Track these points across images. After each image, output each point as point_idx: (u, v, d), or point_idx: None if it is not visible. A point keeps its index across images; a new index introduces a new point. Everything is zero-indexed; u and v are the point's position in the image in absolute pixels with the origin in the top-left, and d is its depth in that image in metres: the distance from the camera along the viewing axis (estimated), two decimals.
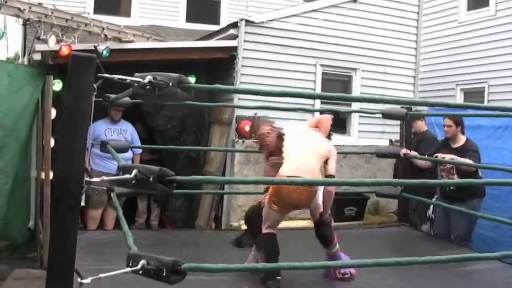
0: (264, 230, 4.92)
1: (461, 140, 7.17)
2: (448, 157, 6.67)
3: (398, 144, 7.78)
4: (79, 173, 2.65)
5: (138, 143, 8.74)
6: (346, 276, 4.97)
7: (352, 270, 5.01)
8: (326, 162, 5.16)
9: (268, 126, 5.37)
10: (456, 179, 6.80)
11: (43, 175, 7.97)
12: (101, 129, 8.37)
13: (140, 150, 8.89)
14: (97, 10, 12.88)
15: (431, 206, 7.52)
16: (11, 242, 8.49)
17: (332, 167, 5.18)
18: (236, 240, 5.51)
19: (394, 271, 4.97)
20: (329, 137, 5.53)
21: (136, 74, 2.87)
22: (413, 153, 7.24)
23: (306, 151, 5.05)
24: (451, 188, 6.80)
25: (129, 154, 8.18)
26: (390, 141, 8.09)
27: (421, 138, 8.14)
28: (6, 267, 7.59)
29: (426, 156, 7.19)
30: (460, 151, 6.94)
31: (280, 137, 5.38)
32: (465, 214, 6.66)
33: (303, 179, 4.66)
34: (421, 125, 8.38)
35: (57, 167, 2.65)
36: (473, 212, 6.57)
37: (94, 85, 2.85)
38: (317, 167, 5.01)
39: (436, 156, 6.75)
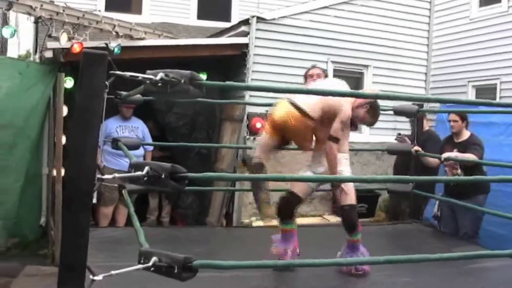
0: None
1: (465, 135, 7.26)
2: (452, 154, 6.68)
3: (406, 137, 7.74)
4: (91, 170, 2.65)
5: (149, 140, 8.75)
6: (359, 272, 4.95)
7: (366, 267, 5.00)
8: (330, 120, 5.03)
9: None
10: (461, 175, 6.82)
11: (54, 173, 8.00)
12: (112, 127, 8.39)
13: (151, 147, 8.91)
14: (108, 7, 12.91)
15: (436, 205, 7.50)
16: (22, 239, 8.53)
17: (335, 127, 5.06)
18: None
19: (403, 268, 4.96)
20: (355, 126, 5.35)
21: (148, 71, 2.87)
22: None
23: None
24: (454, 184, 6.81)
25: (140, 151, 8.20)
26: (399, 134, 8.03)
27: (427, 137, 8.05)
28: (17, 264, 7.62)
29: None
30: (464, 146, 7.03)
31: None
32: (471, 211, 6.65)
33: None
34: (424, 124, 8.31)
35: (69, 165, 2.66)
36: (479, 208, 6.56)
37: (106, 82, 2.86)
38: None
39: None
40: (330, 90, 5.11)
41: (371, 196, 9.71)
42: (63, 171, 7.72)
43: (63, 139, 7.83)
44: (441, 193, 7.48)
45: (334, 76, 10.38)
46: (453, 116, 7.20)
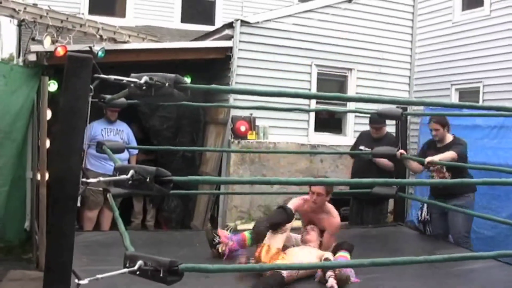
0: None
1: (448, 138, 7.23)
2: (436, 157, 6.69)
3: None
4: (76, 174, 2.64)
5: (134, 143, 8.74)
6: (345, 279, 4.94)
7: (354, 278, 5.00)
8: None
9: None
10: (447, 179, 6.84)
11: (38, 176, 7.96)
12: (97, 130, 8.37)
13: (136, 151, 8.90)
14: (92, 10, 12.85)
15: (424, 208, 7.46)
16: (6, 244, 8.49)
17: None
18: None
19: (390, 271, 4.98)
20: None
21: (133, 74, 2.87)
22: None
23: None
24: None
25: (125, 154, 8.19)
26: (360, 150, 7.93)
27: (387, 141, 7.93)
28: (1, 269, 7.58)
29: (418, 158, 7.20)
30: (448, 148, 6.99)
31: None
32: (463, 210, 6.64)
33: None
34: (385, 130, 8.10)
35: (53, 168, 2.65)
36: (472, 213, 6.57)
37: (91, 85, 2.85)
38: None
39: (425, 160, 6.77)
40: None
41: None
42: (47, 175, 7.68)
43: (47, 143, 7.80)
44: (426, 196, 7.49)
45: (318, 79, 10.42)
46: (434, 125, 7.19)
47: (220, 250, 5.51)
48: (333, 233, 5.62)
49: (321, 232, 5.68)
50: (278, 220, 5.38)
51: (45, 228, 7.44)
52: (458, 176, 6.77)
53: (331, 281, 4.69)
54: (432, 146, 7.26)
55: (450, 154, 6.76)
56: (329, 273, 4.82)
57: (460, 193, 6.97)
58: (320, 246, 5.52)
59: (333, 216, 5.65)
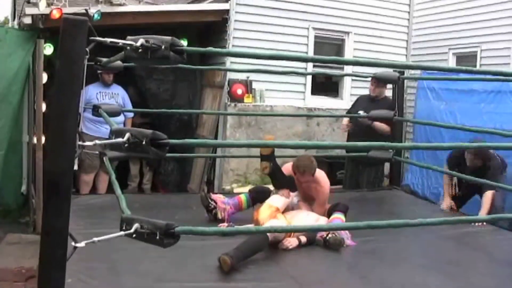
0: None
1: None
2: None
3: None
4: (72, 137, 2.64)
5: (129, 106, 8.71)
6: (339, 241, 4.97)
7: (349, 241, 5.03)
8: None
9: None
10: None
11: (35, 140, 7.95)
12: (92, 93, 8.33)
13: (131, 114, 8.88)
14: None
15: (455, 184, 7.23)
16: (4, 208, 8.51)
17: None
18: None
19: (385, 235, 5.01)
20: None
21: (128, 37, 2.85)
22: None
23: None
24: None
25: (121, 118, 8.16)
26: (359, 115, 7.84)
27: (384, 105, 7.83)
28: None
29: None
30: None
31: None
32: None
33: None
34: (384, 91, 8.05)
35: (49, 131, 2.64)
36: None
37: (86, 48, 2.83)
38: None
39: None
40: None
41: None
42: (43, 138, 7.68)
43: (43, 106, 7.78)
44: (423, 161, 7.42)
45: (315, 43, 10.38)
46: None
47: (219, 215, 5.54)
48: (323, 202, 5.63)
49: (312, 198, 5.70)
50: (287, 184, 5.41)
51: (41, 191, 7.46)
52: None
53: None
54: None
55: (489, 201, 6.41)
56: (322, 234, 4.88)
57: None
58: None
59: (322, 185, 5.64)
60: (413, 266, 4.66)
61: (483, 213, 6.28)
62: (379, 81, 7.54)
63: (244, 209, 5.67)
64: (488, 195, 6.40)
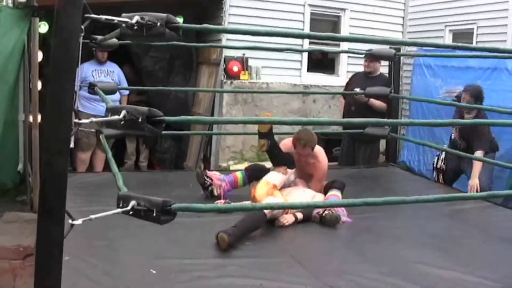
0: None
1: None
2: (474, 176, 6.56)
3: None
4: (68, 115, 2.63)
5: (124, 84, 8.71)
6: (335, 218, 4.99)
7: (345, 218, 5.05)
8: None
9: None
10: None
11: (31, 119, 7.93)
12: (88, 71, 8.31)
13: (127, 92, 8.87)
14: None
15: (442, 156, 7.35)
16: (1, 187, 8.51)
17: None
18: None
19: (382, 212, 5.03)
20: None
21: (124, 14, 2.84)
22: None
23: None
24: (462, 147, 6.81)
25: (116, 95, 8.17)
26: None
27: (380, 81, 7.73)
28: None
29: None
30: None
31: None
32: (485, 166, 6.53)
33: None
34: (378, 67, 8.11)
35: (46, 110, 2.63)
36: (491, 161, 6.43)
37: (82, 26, 2.82)
38: None
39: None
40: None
41: None
42: (39, 117, 7.66)
43: (39, 85, 7.76)
44: (419, 137, 7.45)
45: (311, 19, 10.35)
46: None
47: (215, 193, 5.55)
48: (320, 179, 5.64)
49: (309, 175, 5.71)
50: (285, 161, 5.42)
51: (38, 170, 7.47)
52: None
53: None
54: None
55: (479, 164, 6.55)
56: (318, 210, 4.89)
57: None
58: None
59: (320, 161, 5.64)
60: (409, 242, 4.68)
61: (475, 172, 6.49)
62: (373, 58, 7.54)
63: (240, 186, 5.68)
64: (478, 153, 6.52)
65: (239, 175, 5.73)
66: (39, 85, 7.73)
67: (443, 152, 7.34)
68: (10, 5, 8.99)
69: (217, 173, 5.82)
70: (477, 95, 6.78)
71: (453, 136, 7.11)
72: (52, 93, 2.62)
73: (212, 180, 5.60)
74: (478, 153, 6.55)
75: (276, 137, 5.66)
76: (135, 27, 2.79)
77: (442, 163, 7.33)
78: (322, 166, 5.65)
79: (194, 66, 10.48)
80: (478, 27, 11.24)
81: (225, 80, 9.61)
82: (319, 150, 5.67)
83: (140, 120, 2.70)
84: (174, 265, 3.84)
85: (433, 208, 5.29)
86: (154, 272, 3.69)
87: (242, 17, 9.68)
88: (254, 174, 5.65)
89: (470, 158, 6.51)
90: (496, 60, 8.60)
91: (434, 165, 7.48)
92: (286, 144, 5.71)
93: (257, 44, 8.06)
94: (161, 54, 9.90)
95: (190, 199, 4.85)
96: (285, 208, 4.67)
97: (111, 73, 8.57)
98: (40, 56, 7.79)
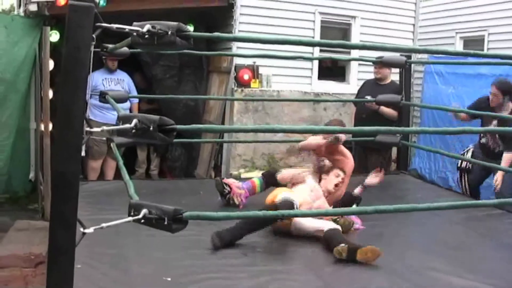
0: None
1: (509, 108, 6.89)
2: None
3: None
4: (80, 124, 2.64)
5: (134, 92, 8.74)
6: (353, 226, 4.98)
7: (359, 226, 5.04)
8: None
9: None
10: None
11: (42, 127, 7.97)
12: (98, 80, 8.36)
13: (137, 100, 8.90)
14: None
15: (468, 156, 7.24)
16: (13, 195, 8.55)
17: None
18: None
19: (393, 219, 5.02)
20: None
21: (135, 23, 2.85)
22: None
23: None
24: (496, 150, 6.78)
25: (126, 104, 8.19)
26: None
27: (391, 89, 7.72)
28: (8, 219, 7.66)
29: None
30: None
31: None
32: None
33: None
34: (388, 73, 8.09)
35: (57, 119, 2.64)
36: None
37: (93, 35, 2.83)
38: None
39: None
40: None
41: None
42: (51, 125, 7.70)
43: (50, 93, 7.79)
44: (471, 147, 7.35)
45: (322, 27, 10.35)
46: (494, 90, 6.89)
47: (236, 201, 5.54)
48: (348, 174, 5.64)
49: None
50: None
51: (49, 178, 7.49)
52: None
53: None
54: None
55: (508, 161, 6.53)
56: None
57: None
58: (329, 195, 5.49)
59: (347, 157, 5.66)
60: (420, 249, 4.66)
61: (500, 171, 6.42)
62: (384, 65, 7.52)
63: (258, 192, 5.67)
64: (507, 156, 6.50)
65: (256, 181, 5.72)
66: (51, 94, 7.78)
67: (469, 151, 7.30)
68: (22, 14, 9.05)
69: (234, 180, 5.82)
70: (506, 90, 6.82)
71: (483, 140, 7.03)
72: (63, 102, 2.62)
73: (231, 188, 5.59)
74: (508, 155, 6.55)
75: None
76: (146, 36, 2.79)
77: (469, 163, 7.25)
78: (349, 162, 5.66)
79: (204, 74, 10.50)
80: (489, 33, 11.20)
81: (235, 88, 9.61)
82: (344, 148, 5.71)
83: (151, 128, 2.70)
84: (184, 273, 3.83)
85: (444, 216, 5.28)
86: (169, 279, 3.69)
87: (252, 25, 9.69)
88: (271, 180, 5.65)
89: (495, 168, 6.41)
90: (508, 67, 8.55)
91: (458, 165, 7.41)
92: (317, 139, 5.67)
93: (268, 52, 8.06)
94: (171, 62, 9.93)
95: (201, 207, 4.85)
96: (298, 216, 4.66)
97: (121, 82, 8.61)
98: (51, 64, 7.84)
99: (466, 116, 7.21)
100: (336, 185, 5.23)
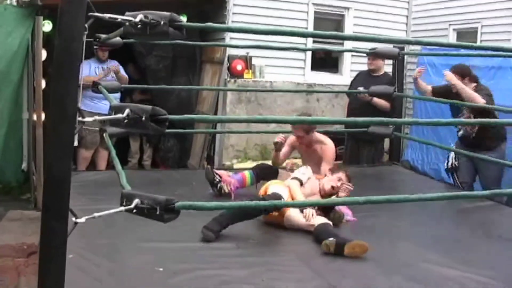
0: None
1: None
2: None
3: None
4: (72, 114, 2.63)
5: None
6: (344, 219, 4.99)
7: (350, 218, 5.05)
8: None
9: None
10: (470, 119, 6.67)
11: (35, 117, 7.95)
12: (89, 69, 8.31)
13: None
14: None
15: (451, 155, 7.28)
16: (5, 185, 8.53)
17: None
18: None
19: (385, 210, 5.02)
20: None
21: (127, 13, 2.84)
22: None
23: None
24: (473, 135, 6.74)
25: (118, 93, 8.16)
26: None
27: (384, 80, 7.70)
28: (0, 209, 7.65)
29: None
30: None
31: None
32: (495, 163, 6.34)
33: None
34: (382, 64, 8.04)
35: (49, 109, 2.63)
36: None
37: (85, 25, 2.82)
38: None
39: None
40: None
41: None
42: (43, 116, 7.67)
43: (43, 83, 7.76)
44: (453, 144, 7.34)
45: (315, 18, 10.34)
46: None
47: (226, 189, 5.55)
48: (330, 160, 5.64)
49: (319, 162, 5.71)
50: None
51: (42, 168, 7.48)
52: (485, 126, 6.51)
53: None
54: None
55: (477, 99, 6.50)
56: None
57: (491, 145, 6.72)
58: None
59: (326, 143, 5.69)
60: (412, 241, 4.67)
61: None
62: (377, 56, 7.52)
63: (248, 185, 5.68)
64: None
65: (247, 174, 5.73)
66: (43, 84, 7.74)
67: (452, 153, 7.27)
68: (14, 3, 8.99)
69: (225, 172, 5.83)
70: (461, 72, 6.85)
71: (461, 132, 7.00)
72: (55, 92, 2.62)
73: (221, 177, 5.60)
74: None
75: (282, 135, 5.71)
76: (139, 26, 2.78)
77: (454, 161, 7.23)
78: (329, 147, 5.69)
79: (197, 65, 10.48)
80: (482, 25, 11.22)
81: (228, 79, 9.61)
82: (322, 135, 5.72)
83: (143, 118, 2.69)
84: (177, 263, 3.84)
85: (437, 207, 5.30)
86: (161, 269, 3.70)
87: (245, 16, 9.69)
88: (262, 173, 5.66)
89: (480, 156, 6.41)
90: (500, 59, 8.58)
91: (446, 167, 7.36)
92: (291, 139, 5.77)
93: (261, 43, 8.06)
94: (164, 53, 9.91)
95: (194, 198, 4.85)
96: (289, 206, 4.66)
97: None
98: (44, 54, 7.80)
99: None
100: (332, 187, 5.20)
